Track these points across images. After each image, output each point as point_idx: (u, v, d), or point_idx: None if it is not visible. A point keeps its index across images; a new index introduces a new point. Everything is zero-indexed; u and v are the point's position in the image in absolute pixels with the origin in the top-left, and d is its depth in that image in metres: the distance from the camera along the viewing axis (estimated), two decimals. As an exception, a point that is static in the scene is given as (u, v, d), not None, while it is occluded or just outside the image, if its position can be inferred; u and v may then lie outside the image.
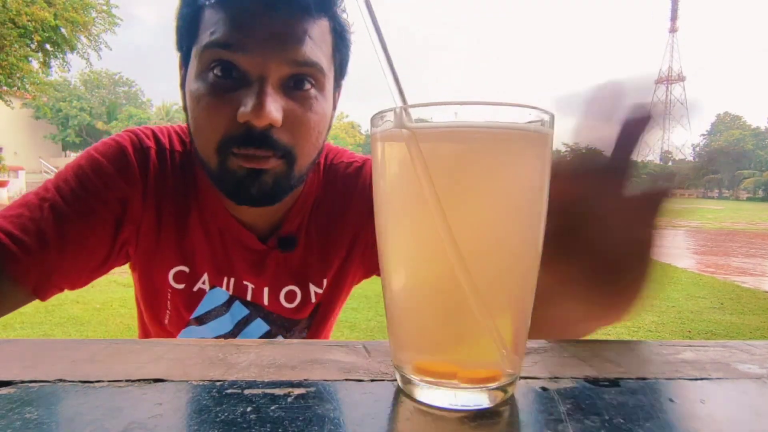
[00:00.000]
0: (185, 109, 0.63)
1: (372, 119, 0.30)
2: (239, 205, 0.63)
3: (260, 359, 0.33)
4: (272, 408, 0.26)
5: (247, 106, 0.54)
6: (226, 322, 0.70)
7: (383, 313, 0.32)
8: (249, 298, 0.70)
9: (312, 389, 0.29)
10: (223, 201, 0.68)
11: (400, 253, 0.29)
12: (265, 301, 0.71)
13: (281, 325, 0.72)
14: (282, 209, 0.70)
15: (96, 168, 0.63)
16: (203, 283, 0.69)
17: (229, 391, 0.28)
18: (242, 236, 0.68)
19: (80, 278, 0.64)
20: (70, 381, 0.29)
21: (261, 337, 0.71)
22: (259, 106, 0.54)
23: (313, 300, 0.73)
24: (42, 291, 0.60)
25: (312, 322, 0.75)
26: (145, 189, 0.66)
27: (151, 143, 0.68)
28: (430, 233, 0.27)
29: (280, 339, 0.74)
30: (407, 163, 0.28)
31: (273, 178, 0.59)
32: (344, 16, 0.64)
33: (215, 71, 0.56)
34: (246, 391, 0.28)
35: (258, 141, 0.56)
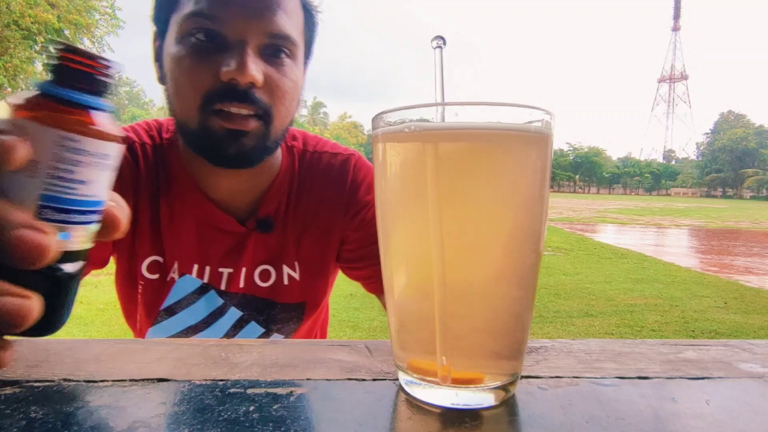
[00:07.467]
0: (161, 80, 0.65)
1: (373, 120, 0.30)
2: (216, 167, 0.64)
3: (263, 359, 0.34)
4: (275, 407, 0.26)
5: (230, 65, 0.58)
6: (198, 311, 0.71)
7: (385, 312, 0.32)
8: (223, 287, 0.71)
9: (314, 389, 0.29)
10: (200, 184, 0.69)
11: (401, 253, 0.29)
12: (241, 284, 0.71)
13: (255, 308, 0.72)
14: (258, 190, 0.71)
15: None
16: (174, 272, 0.70)
17: (232, 390, 0.28)
18: (220, 220, 0.70)
19: None
20: (74, 380, 0.30)
21: (234, 324, 0.72)
22: (242, 65, 0.58)
23: (286, 282, 0.73)
24: None
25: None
26: (121, 182, 0.65)
27: None
28: (430, 233, 0.27)
29: (278, 337, 0.74)
30: (408, 163, 0.28)
31: (253, 139, 0.62)
32: None
33: (197, 36, 0.60)
34: (249, 391, 0.28)
35: (240, 96, 0.59)
